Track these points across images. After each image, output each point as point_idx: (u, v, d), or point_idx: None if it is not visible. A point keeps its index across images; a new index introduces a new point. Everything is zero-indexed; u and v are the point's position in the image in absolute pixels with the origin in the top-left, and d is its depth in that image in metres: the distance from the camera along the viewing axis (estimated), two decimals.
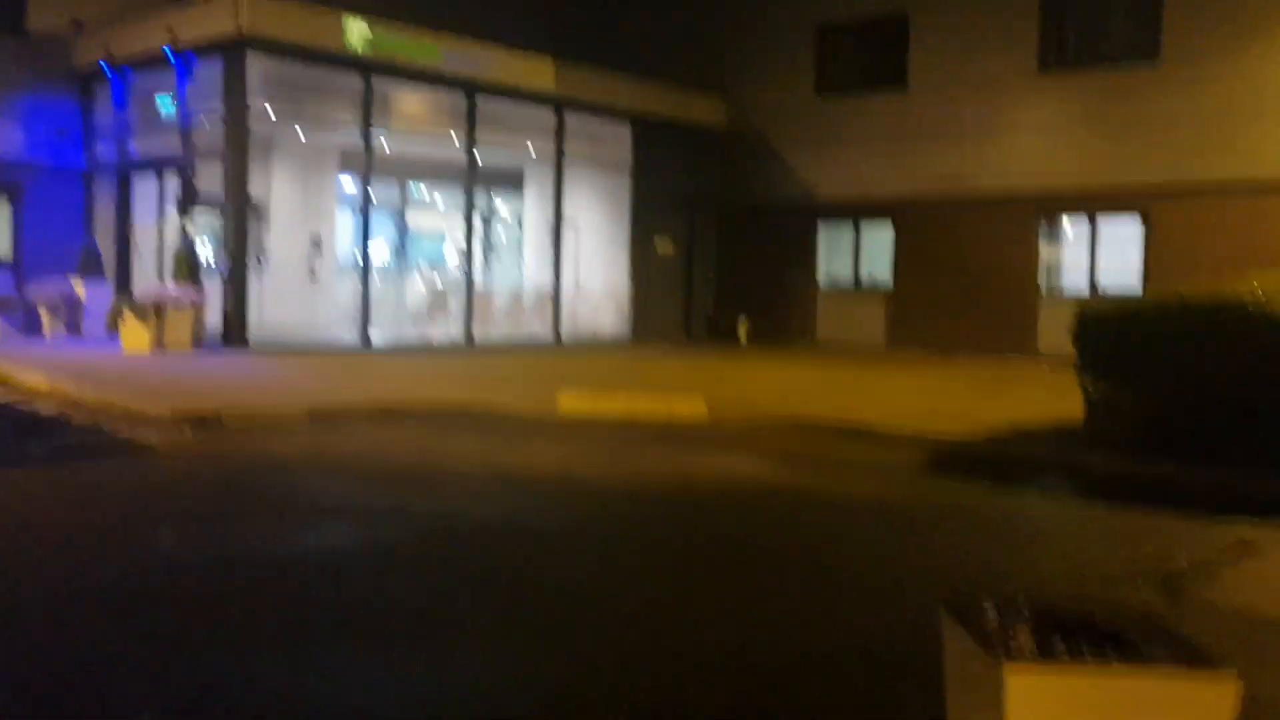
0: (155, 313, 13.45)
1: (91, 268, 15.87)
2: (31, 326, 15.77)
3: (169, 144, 15.49)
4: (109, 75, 16.11)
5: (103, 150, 16.79)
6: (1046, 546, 6.19)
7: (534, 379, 13.20)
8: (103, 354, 13.31)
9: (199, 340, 14.12)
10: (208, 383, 11.20)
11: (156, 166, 15.93)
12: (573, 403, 11.36)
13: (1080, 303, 9.12)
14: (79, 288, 15.71)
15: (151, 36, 14.77)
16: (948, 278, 18.50)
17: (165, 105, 15.72)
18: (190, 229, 14.86)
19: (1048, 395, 12.90)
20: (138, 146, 16.35)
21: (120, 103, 16.28)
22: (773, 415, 10.93)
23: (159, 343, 13.63)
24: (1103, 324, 8.53)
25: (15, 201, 16.47)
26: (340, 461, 7.97)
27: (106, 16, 16.05)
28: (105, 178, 16.86)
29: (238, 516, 6.14)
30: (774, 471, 8.17)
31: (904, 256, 19.13)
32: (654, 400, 11.60)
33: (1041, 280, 17.69)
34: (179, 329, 13.69)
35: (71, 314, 15.79)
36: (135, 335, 13.37)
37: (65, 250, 16.04)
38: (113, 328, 13.85)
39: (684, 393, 12.18)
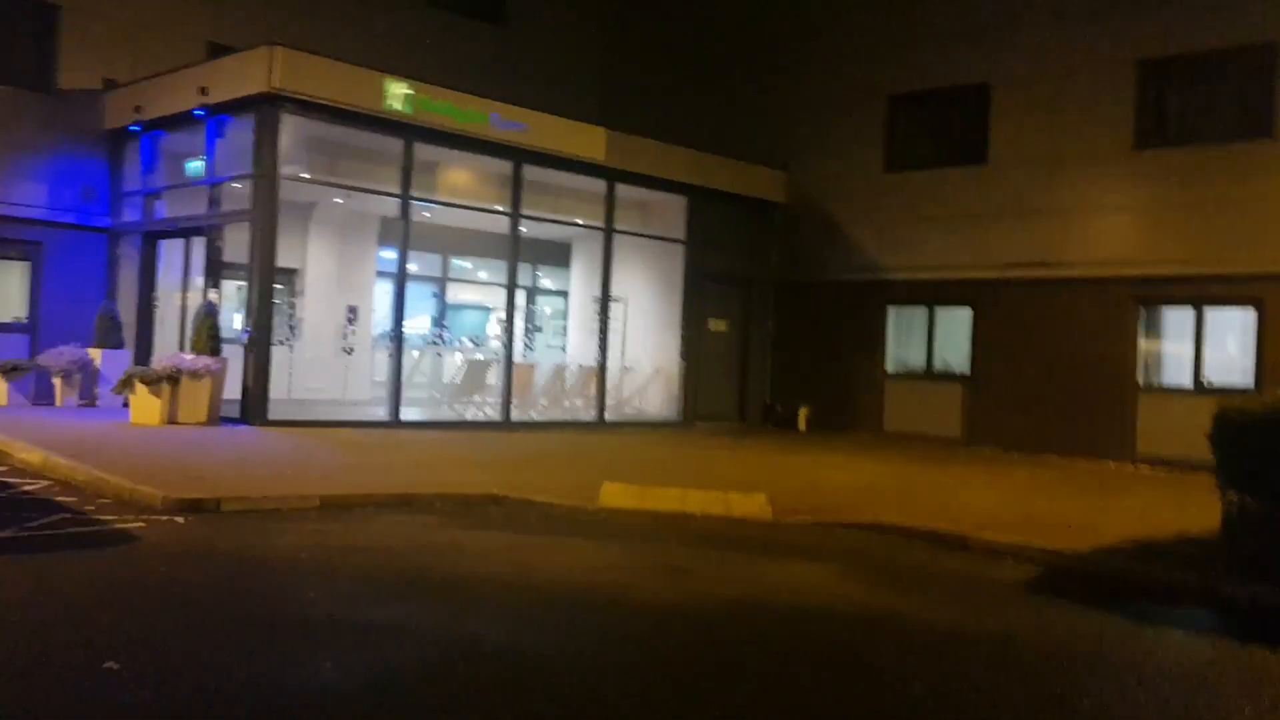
0: (169, 383, 12.73)
1: (110, 334, 15.30)
2: (44, 394, 15.18)
3: (198, 207, 15.01)
4: (138, 135, 15.75)
5: (129, 212, 16.38)
6: (1214, 708, 5.00)
7: (574, 465, 12.24)
8: (110, 426, 12.59)
9: (215, 414, 13.37)
10: (216, 462, 10.37)
11: (184, 230, 15.43)
12: (617, 496, 10.36)
13: (1220, 400, 8.00)
14: (96, 355, 15.12)
15: (183, 94, 14.38)
16: (1032, 368, 17.33)
17: (195, 167, 15.29)
18: (214, 296, 14.24)
19: (1162, 504, 11.66)
20: (165, 209, 15.90)
21: (149, 163, 15.90)
22: (846, 518, 9.84)
23: (171, 416, 12.89)
24: (1248, 427, 7.39)
25: (36, 262, 16.04)
26: (346, 560, 7.02)
27: (139, 75, 15.72)
28: (130, 241, 16.41)
29: (202, 633, 5.18)
30: (855, 589, 7.06)
31: (983, 343, 18.02)
32: (710, 496, 10.56)
33: (1140, 374, 16.45)
34: (194, 401, 12.95)
35: (86, 383, 15.18)
36: (145, 407, 12.65)
37: (85, 315, 15.51)
38: (122, 398, 13.15)
39: (742, 488, 11.13)
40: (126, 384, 12.57)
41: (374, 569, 6.79)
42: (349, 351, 19.21)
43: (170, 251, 16.13)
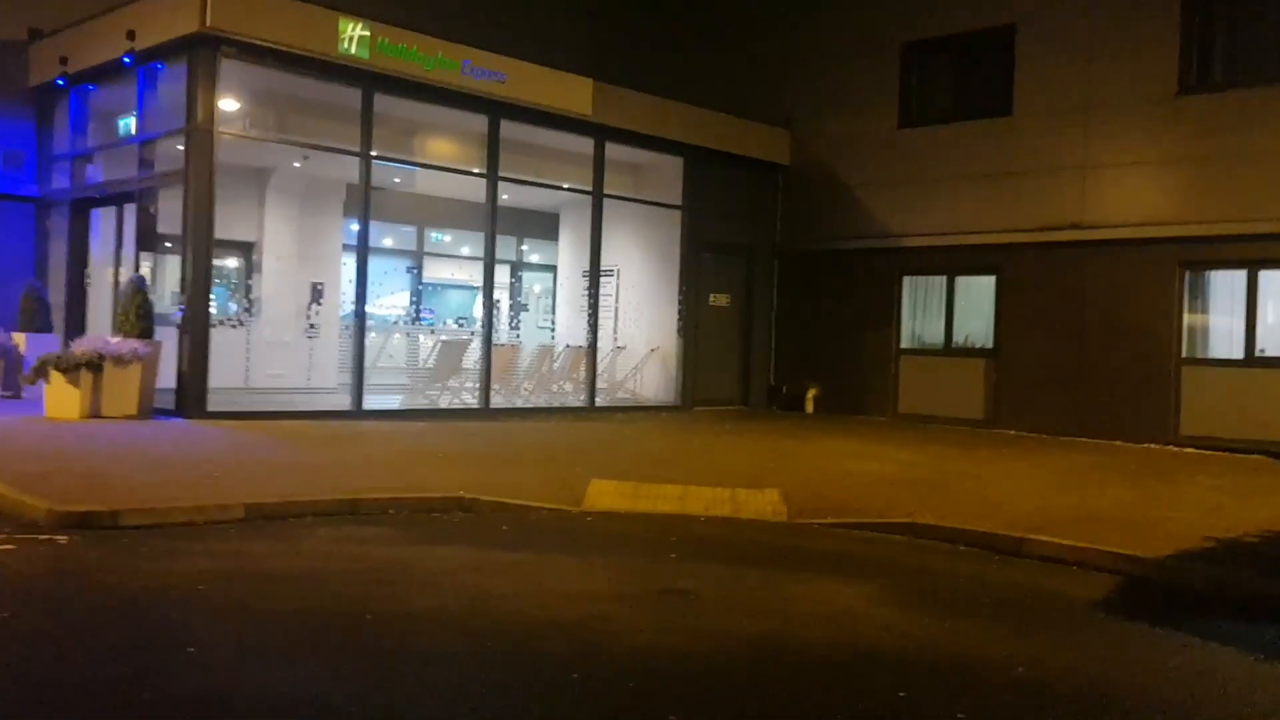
0: (90, 370, 11.27)
1: (36, 316, 13.83)
2: None
3: (130, 170, 13.49)
4: (67, 90, 14.23)
5: (58, 179, 14.86)
6: None
7: (558, 458, 10.83)
8: (19, 422, 11.13)
9: (147, 406, 11.92)
10: (130, 463, 8.94)
11: (116, 197, 13.93)
12: (606, 495, 8.98)
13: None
14: (20, 340, 13.64)
15: (110, 41, 12.85)
16: (1063, 341, 15.93)
17: (127, 125, 13.78)
18: (145, 270, 12.77)
19: (1230, 492, 10.28)
20: (97, 174, 14.38)
21: (78, 123, 14.38)
22: (873, 517, 8.46)
23: (94, 408, 11.44)
24: None
25: None
26: (258, 594, 5.60)
27: (68, 23, 14.17)
28: (60, 211, 14.90)
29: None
30: (901, 617, 5.66)
31: (1008, 315, 16.60)
32: (715, 495, 9.17)
33: (1183, 346, 15.05)
34: (120, 391, 11.50)
35: (10, 372, 13.70)
36: (62, 398, 11.19)
37: (10, 296, 14.03)
38: (31, 386, 11.71)
39: (750, 482, 9.74)
40: (39, 372, 11.11)
41: (290, 606, 5.38)
42: (312, 333, 17.75)
43: (105, 222, 14.62)
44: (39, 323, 13.90)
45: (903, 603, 6.03)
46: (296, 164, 16.95)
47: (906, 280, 17.97)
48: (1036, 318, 16.23)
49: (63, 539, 6.59)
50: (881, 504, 8.90)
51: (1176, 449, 14.41)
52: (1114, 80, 15.63)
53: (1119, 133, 15.57)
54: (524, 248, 23.30)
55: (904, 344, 17.99)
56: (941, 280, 17.55)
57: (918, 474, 10.76)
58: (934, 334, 17.74)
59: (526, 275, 23.34)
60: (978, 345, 17.09)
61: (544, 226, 20.98)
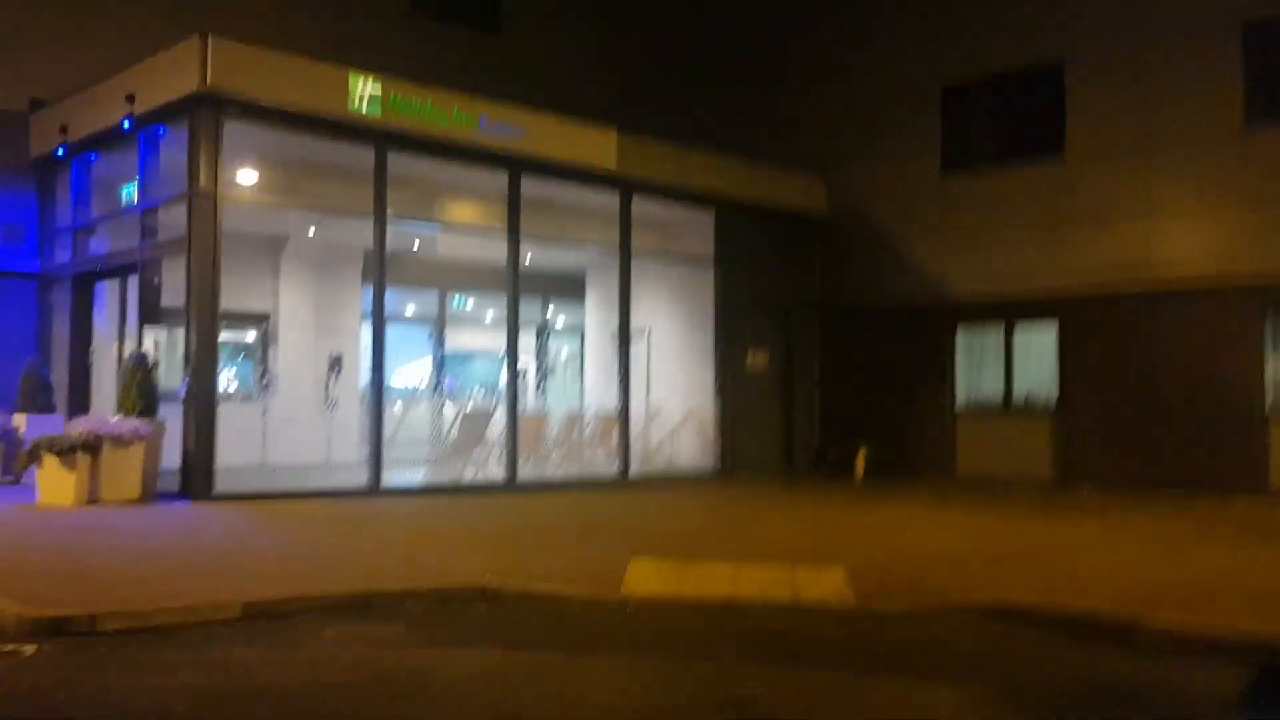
0: (87, 453, 10.58)
1: (37, 396, 13.23)
2: None
3: (132, 240, 12.94)
4: (65, 158, 13.78)
5: (60, 253, 14.38)
6: None
7: (593, 535, 10.00)
8: (10, 512, 10.42)
9: (150, 489, 11.20)
10: (122, 556, 8.18)
11: (119, 269, 13.39)
12: (649, 578, 8.09)
13: None
14: (20, 422, 13.02)
15: (110, 106, 12.40)
16: (1134, 393, 14.99)
17: (129, 192, 13.28)
18: (150, 344, 12.16)
19: None
20: (99, 245, 13.87)
21: (80, 193, 13.92)
22: (955, 599, 7.52)
23: (92, 493, 10.74)
24: None
25: None
26: (245, 716, 4.77)
27: (70, 90, 13.76)
28: (63, 285, 14.38)
29: None
30: None
31: (1073, 366, 15.69)
32: (771, 575, 8.27)
33: (1270, 394, 14.05)
34: (120, 474, 10.80)
35: (10, 456, 13.05)
36: (56, 484, 10.49)
37: (11, 375, 13.44)
38: (22, 471, 11.03)
39: (806, 558, 8.83)
40: (33, 455, 10.43)
41: None
42: (331, 407, 17.09)
43: (109, 296, 14.08)
44: (40, 403, 13.29)
45: (1017, 712, 5.11)
46: (311, 231, 16.45)
47: (960, 334, 17.11)
48: (1103, 368, 15.32)
49: (29, 649, 5.80)
50: (960, 581, 7.97)
51: (1268, 503, 13.36)
52: (1174, 114, 14.88)
53: (1184, 171, 14.77)
54: (550, 311, 22.64)
55: (960, 400, 17.09)
56: (998, 333, 16.68)
57: (993, 544, 9.82)
58: (992, 388, 16.84)
59: (553, 340, 22.65)
60: (1041, 399, 16.16)
61: (570, 289, 20.36)
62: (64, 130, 13.42)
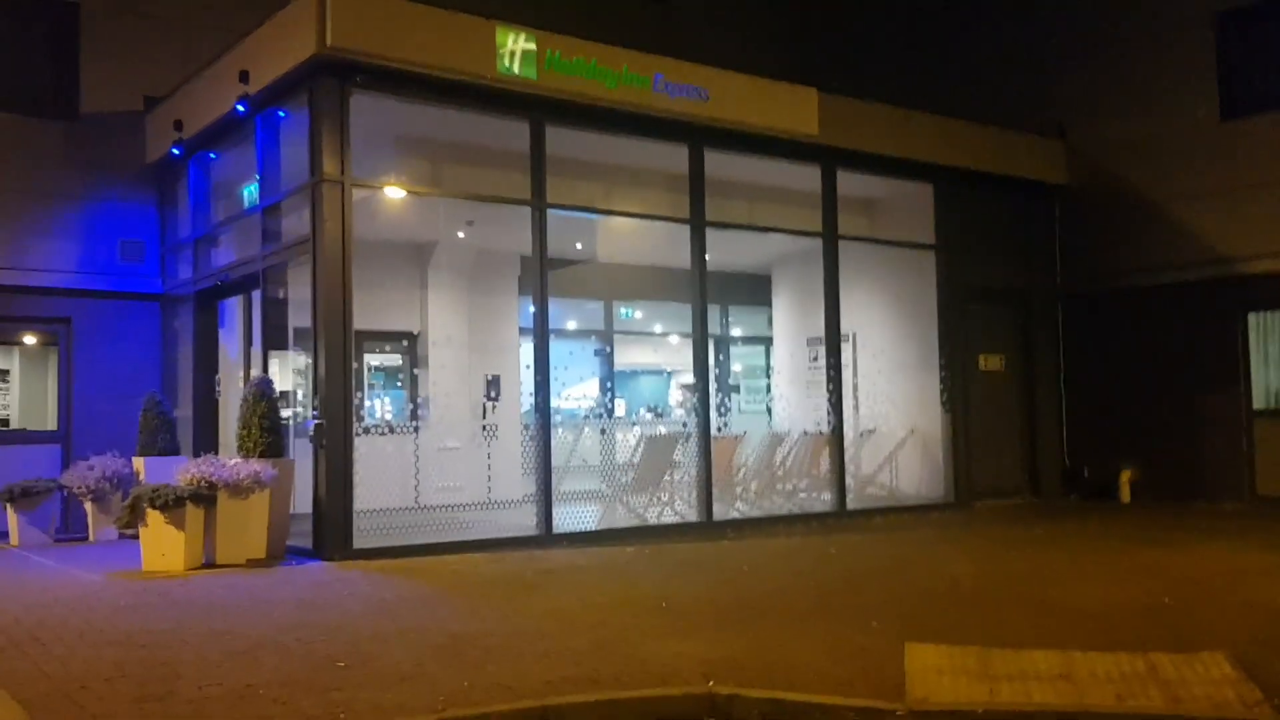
0: (198, 504, 8.85)
1: (158, 435, 11.73)
2: (79, 524, 11.75)
3: (255, 249, 11.29)
4: (181, 158, 12.32)
5: (183, 268, 12.94)
6: None
7: (834, 602, 7.64)
8: (106, 580, 8.74)
9: (278, 546, 9.41)
10: (221, 650, 6.25)
11: (242, 283, 11.76)
12: (939, 676, 5.77)
13: None
14: (140, 465, 11.55)
15: (224, 89, 10.78)
16: None
17: (252, 194, 11.67)
18: (277, 369, 10.46)
19: None
20: (222, 258, 12.33)
21: (198, 199, 12.44)
22: None
23: (207, 554, 9.01)
24: None
25: (65, 345, 12.77)
26: None
27: (183, 80, 12.31)
28: (186, 306, 12.92)
29: None
30: None
31: None
32: (1121, 669, 5.76)
33: None
34: (239, 530, 9.02)
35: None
36: (162, 544, 8.75)
37: (132, 412, 12.01)
38: (126, 530, 9.38)
39: (1154, 637, 6.24)
40: (133, 510, 8.73)
41: None
42: (490, 434, 15.23)
43: (235, 315, 12.54)
44: (162, 443, 11.79)
45: None
46: (460, 234, 14.67)
47: (1254, 318, 14.00)
48: None
49: None
50: None
51: None
52: None
53: None
54: (729, 319, 20.35)
55: (1257, 402, 13.94)
56: None
57: None
58: None
59: (734, 351, 20.34)
60: None
61: (753, 292, 18.06)
62: (178, 126, 11.95)
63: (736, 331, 20.36)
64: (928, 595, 7.93)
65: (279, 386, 10.52)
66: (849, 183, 13.76)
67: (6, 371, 14.38)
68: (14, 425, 13.54)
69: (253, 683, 5.44)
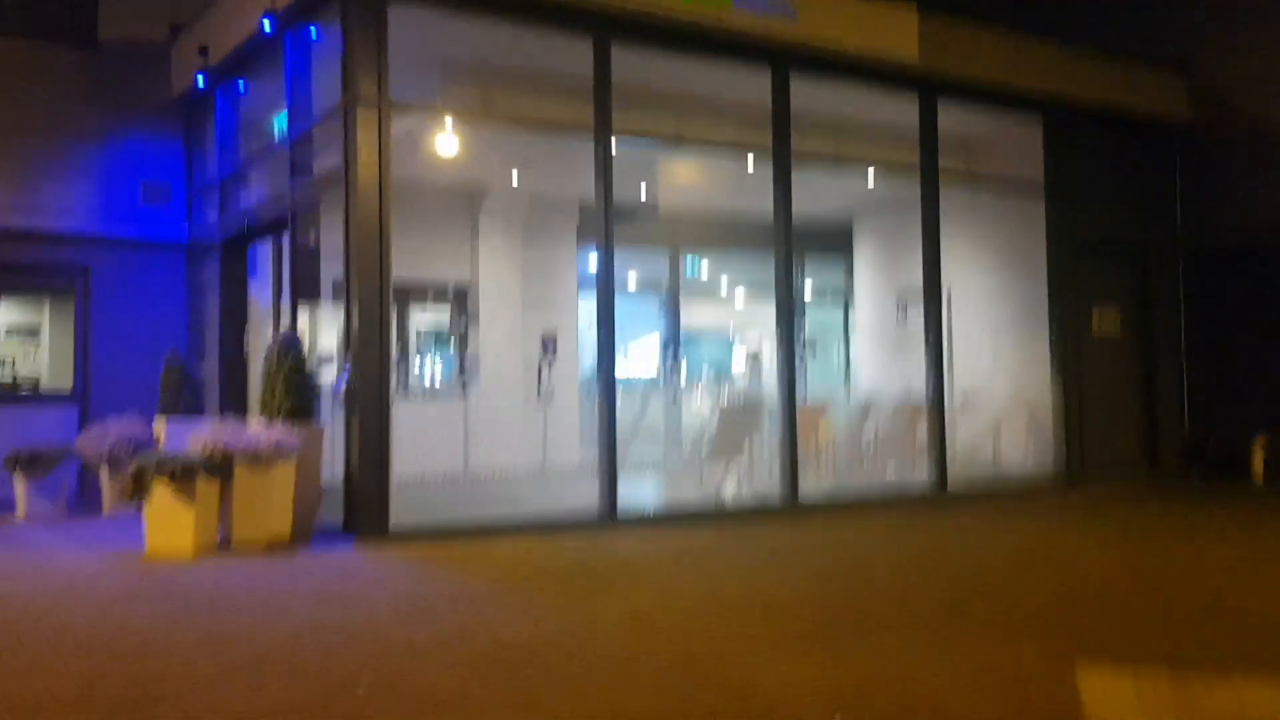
0: (212, 476, 7.69)
1: (179, 397, 10.64)
2: (95, 492, 10.69)
3: (284, 186, 10.06)
4: (208, 89, 11.12)
5: (211, 212, 11.78)
6: None
7: (968, 607, 6.31)
8: (102, 564, 7.63)
9: (305, 526, 8.23)
10: (222, 663, 5.07)
11: (272, 225, 10.55)
12: (1126, 713, 4.42)
13: None
14: (160, 428, 10.45)
15: (252, 8, 9.53)
16: None
17: (282, 126, 10.43)
18: (304, 323, 9.27)
19: None
20: (250, 198, 11.13)
21: (225, 134, 11.26)
22: None
23: (222, 534, 7.86)
24: None
25: (82, 297, 11.70)
26: None
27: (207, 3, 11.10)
28: (213, 254, 11.78)
29: None
30: None
31: None
32: None
33: None
34: (259, 506, 7.85)
35: None
36: (169, 524, 7.60)
37: (154, 371, 10.92)
38: (128, 504, 8.26)
39: None
40: (138, 482, 7.57)
41: None
42: (547, 399, 14.01)
43: (265, 262, 11.36)
44: (185, 404, 10.69)
45: None
46: (515, 178, 13.37)
47: None
48: None
49: None
50: None
51: None
52: None
53: None
54: (803, 275, 18.82)
55: None
56: None
57: None
58: None
59: (811, 310, 18.82)
60: None
61: (830, 245, 16.58)
62: (204, 51, 10.75)
63: (809, 286, 18.82)
64: (1076, 599, 6.57)
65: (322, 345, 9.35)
66: (945, 119, 12.21)
67: (35, 328, 13.46)
68: (44, 387, 12.62)
69: (246, 711, 4.24)
